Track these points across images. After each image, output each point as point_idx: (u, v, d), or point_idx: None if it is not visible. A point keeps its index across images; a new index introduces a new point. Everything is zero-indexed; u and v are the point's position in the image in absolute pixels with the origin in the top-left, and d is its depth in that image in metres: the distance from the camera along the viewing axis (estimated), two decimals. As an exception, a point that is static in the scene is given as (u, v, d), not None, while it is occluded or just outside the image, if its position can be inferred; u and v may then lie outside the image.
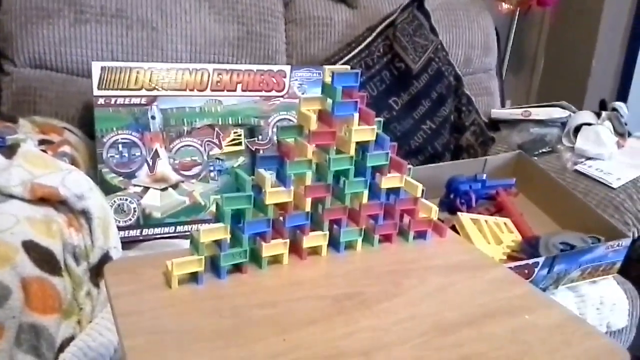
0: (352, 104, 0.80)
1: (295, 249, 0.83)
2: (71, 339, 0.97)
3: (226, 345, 0.63)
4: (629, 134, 1.75)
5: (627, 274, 1.37)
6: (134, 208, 1.28)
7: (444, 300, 0.76)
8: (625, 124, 1.75)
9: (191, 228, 1.31)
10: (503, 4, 2.26)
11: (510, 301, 0.76)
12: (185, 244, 0.79)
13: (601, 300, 1.29)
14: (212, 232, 0.75)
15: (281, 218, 0.81)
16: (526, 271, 1.14)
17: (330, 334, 0.67)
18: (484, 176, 1.49)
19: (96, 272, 1.04)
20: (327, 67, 0.80)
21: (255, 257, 0.80)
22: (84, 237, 1.04)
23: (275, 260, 0.81)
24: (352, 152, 0.82)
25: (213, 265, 0.77)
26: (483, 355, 0.65)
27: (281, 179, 0.80)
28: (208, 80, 1.39)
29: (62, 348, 0.94)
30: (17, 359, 0.89)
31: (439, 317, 0.72)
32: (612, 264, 1.28)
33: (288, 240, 0.81)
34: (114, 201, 1.26)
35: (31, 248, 0.93)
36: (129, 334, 0.64)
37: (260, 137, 1.42)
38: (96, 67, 1.31)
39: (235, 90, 1.41)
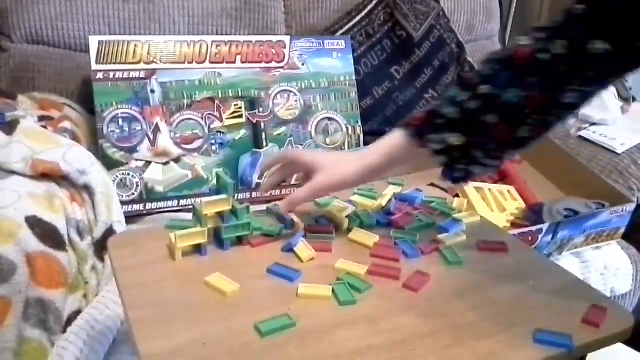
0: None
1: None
2: (78, 312, 0.98)
3: (231, 316, 0.64)
4: (634, 99, 1.73)
5: (631, 239, 1.37)
6: (137, 182, 1.28)
7: (448, 267, 0.76)
8: (630, 89, 1.73)
9: (194, 201, 1.31)
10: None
11: (514, 267, 0.76)
12: (189, 217, 0.78)
13: (605, 266, 1.29)
14: (215, 204, 0.75)
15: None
16: (530, 238, 1.14)
17: (335, 303, 0.67)
18: (487, 144, 1.47)
19: (100, 247, 1.04)
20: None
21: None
22: (87, 212, 1.04)
23: (279, 230, 0.81)
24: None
25: (216, 237, 0.77)
26: (488, 321, 0.65)
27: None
28: (207, 53, 1.37)
29: (69, 322, 0.95)
30: (25, 333, 0.90)
31: (444, 284, 0.72)
32: (616, 229, 1.28)
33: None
34: (116, 176, 1.26)
35: (35, 223, 0.93)
36: (134, 306, 0.65)
37: (261, 109, 1.41)
38: (94, 41, 1.29)
39: (234, 62, 1.40)
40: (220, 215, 0.76)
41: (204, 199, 0.74)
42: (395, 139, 0.75)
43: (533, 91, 0.67)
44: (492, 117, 0.69)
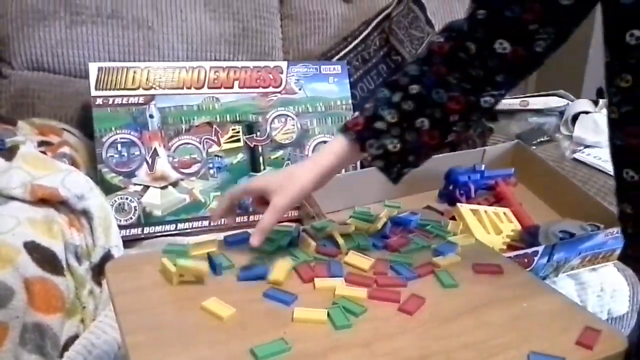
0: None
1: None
2: (75, 337, 0.97)
3: (227, 340, 0.64)
4: (627, 121, 1.75)
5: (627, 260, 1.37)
6: (135, 207, 1.28)
7: (444, 289, 0.76)
8: (623, 111, 1.74)
9: (192, 225, 1.32)
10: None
11: (509, 290, 0.77)
12: (186, 241, 0.79)
13: (602, 287, 1.29)
14: (203, 246, 0.77)
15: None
16: (526, 260, 1.15)
17: (330, 326, 0.67)
18: (483, 167, 1.49)
19: (98, 271, 1.05)
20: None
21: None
22: (85, 237, 1.05)
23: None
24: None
25: (211, 263, 0.78)
26: (483, 343, 0.65)
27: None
28: (205, 78, 1.39)
29: (66, 347, 0.95)
30: (22, 358, 0.90)
31: (439, 307, 0.72)
32: (611, 250, 1.29)
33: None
34: (115, 200, 1.27)
35: (33, 249, 0.93)
36: (131, 330, 0.65)
37: (258, 133, 1.42)
38: (93, 68, 1.31)
39: (232, 88, 1.42)
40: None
41: (192, 240, 0.75)
42: (340, 142, 0.81)
43: (455, 92, 0.75)
44: (425, 121, 0.76)
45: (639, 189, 0.64)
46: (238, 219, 1.36)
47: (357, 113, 0.81)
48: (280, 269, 0.75)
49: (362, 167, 1.49)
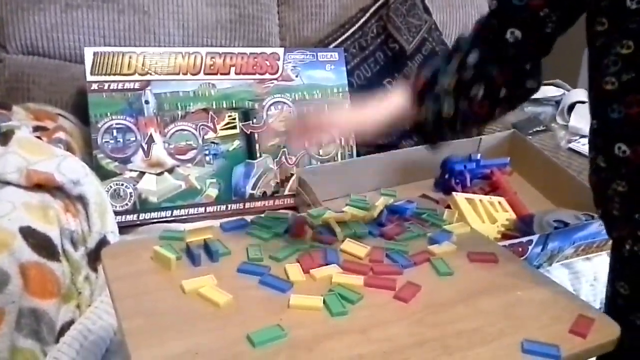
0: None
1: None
2: (71, 323, 0.98)
3: (223, 325, 0.64)
4: (623, 112, 1.75)
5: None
6: (130, 193, 1.28)
7: (439, 277, 0.77)
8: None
9: (187, 212, 1.32)
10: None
11: (503, 278, 0.77)
12: (182, 227, 0.79)
13: (595, 276, 1.30)
14: (199, 232, 0.77)
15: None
16: (520, 249, 1.15)
17: (326, 313, 0.67)
18: (479, 156, 1.49)
19: (94, 257, 1.05)
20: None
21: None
22: (81, 223, 1.05)
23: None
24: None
25: (207, 249, 0.78)
26: (477, 331, 0.66)
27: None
28: (201, 64, 1.39)
29: (62, 332, 0.96)
30: (18, 343, 0.90)
31: (434, 294, 0.72)
32: (605, 240, 1.29)
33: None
34: (110, 186, 1.26)
35: (29, 234, 0.93)
36: (127, 316, 0.65)
37: (254, 120, 1.42)
38: (89, 53, 1.30)
39: (228, 74, 1.41)
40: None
41: (188, 227, 0.75)
42: (401, 94, 0.80)
43: (504, 67, 0.77)
44: (480, 90, 0.77)
45: (632, 164, 0.64)
46: (234, 206, 1.36)
47: (416, 72, 0.81)
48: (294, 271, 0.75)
49: (358, 155, 1.50)
